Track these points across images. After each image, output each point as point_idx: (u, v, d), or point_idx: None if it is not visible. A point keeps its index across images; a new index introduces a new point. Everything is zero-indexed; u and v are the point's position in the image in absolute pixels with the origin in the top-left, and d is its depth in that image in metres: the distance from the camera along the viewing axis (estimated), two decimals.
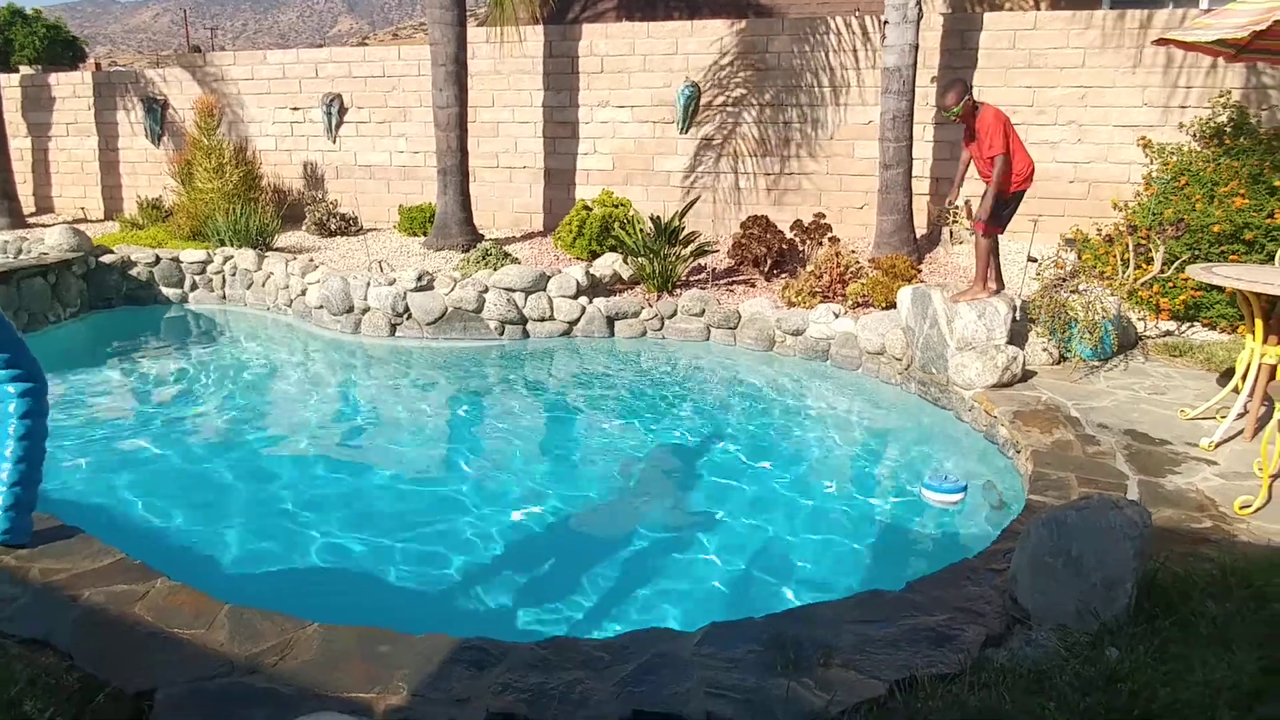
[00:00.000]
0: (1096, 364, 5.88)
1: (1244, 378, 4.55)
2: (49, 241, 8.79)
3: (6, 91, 12.16)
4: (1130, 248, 6.67)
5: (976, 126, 5.98)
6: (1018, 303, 6.22)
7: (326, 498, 4.72)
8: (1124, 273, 6.65)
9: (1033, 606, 2.84)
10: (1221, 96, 7.75)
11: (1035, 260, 7.11)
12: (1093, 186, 8.55)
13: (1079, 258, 7.16)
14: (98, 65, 17.07)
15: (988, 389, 5.52)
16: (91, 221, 11.79)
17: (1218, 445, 4.40)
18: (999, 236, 6.25)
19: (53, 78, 12.51)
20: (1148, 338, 6.41)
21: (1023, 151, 6.03)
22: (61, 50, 14.58)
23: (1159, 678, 2.43)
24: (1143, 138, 7.89)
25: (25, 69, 13.44)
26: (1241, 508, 3.68)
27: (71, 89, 12.29)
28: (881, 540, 4.36)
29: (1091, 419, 4.92)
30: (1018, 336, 6.02)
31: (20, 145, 12.34)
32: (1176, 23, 8.02)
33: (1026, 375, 5.71)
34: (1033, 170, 6.05)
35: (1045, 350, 5.98)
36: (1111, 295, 6.10)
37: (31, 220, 11.77)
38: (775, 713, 2.35)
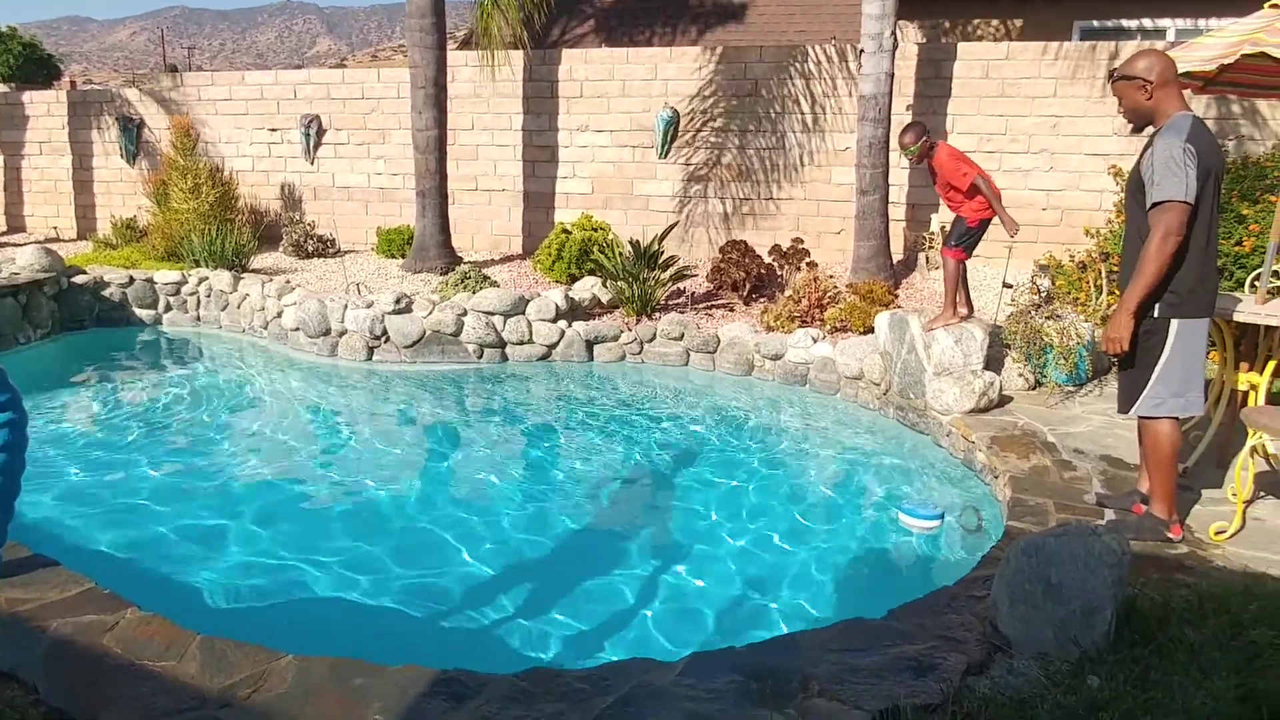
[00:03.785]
0: (1071, 389, 5.94)
1: (1215, 404, 4.61)
2: (20, 261, 8.66)
3: None
4: (1103, 274, 6.76)
5: (933, 165, 6.14)
6: (993, 328, 6.28)
7: (300, 525, 4.65)
8: (1097, 299, 6.75)
9: (1013, 634, 2.84)
10: None
11: (1010, 286, 7.19)
12: (1065, 214, 8.69)
13: (1053, 284, 7.25)
14: (73, 83, 16.94)
15: (965, 414, 5.56)
16: (64, 241, 11.64)
17: (1190, 470, 4.44)
18: (966, 262, 6.31)
19: (26, 96, 12.38)
20: None
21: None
22: (36, 68, 14.47)
23: (1139, 706, 2.44)
24: (1113, 166, 8.03)
25: None
26: (1217, 533, 3.72)
27: (46, 107, 12.17)
28: (860, 567, 4.35)
29: (1067, 444, 4.97)
30: (994, 362, 6.07)
31: None
32: None
33: (1003, 400, 5.76)
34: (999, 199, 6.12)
35: (1021, 376, 6.04)
36: (1085, 321, 6.17)
37: (2, 239, 11.60)
38: None
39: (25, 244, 10.17)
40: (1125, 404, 3.72)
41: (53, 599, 3.03)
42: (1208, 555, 3.58)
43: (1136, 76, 3.49)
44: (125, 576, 3.86)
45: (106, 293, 8.95)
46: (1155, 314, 3.50)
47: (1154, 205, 3.37)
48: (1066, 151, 8.64)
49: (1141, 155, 3.54)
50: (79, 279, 8.86)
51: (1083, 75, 8.48)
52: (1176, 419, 3.62)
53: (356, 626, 3.72)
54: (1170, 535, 3.65)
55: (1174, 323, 3.48)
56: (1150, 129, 3.58)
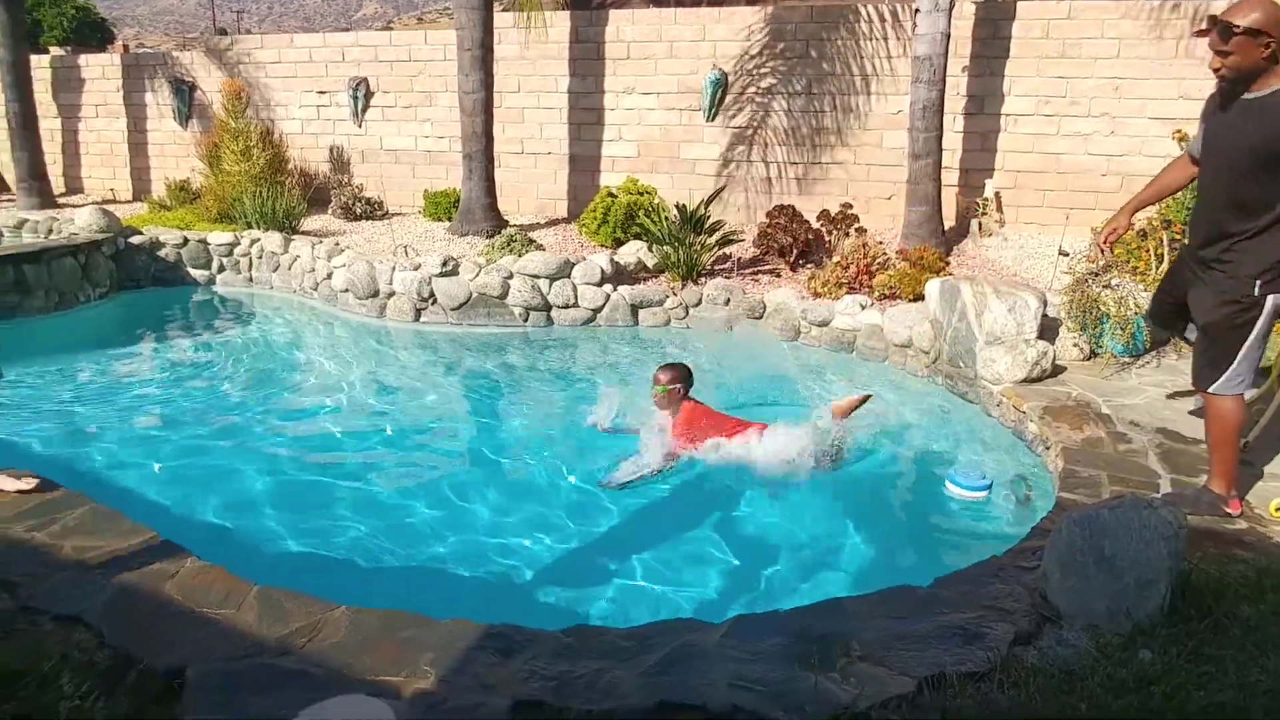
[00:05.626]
0: (1128, 361, 5.79)
1: (1278, 379, 4.47)
2: (79, 222, 8.88)
3: (37, 73, 12.25)
4: (1164, 243, 6.55)
5: (675, 419, 5.06)
6: (1048, 297, 6.14)
7: (351, 481, 4.74)
8: (1157, 268, 6.53)
9: (1063, 605, 2.81)
10: None
11: (1066, 254, 7.00)
12: (1126, 180, 8.42)
13: (1111, 252, 7.05)
14: (126, 47, 17.22)
15: (1016, 384, 5.45)
16: (120, 203, 11.90)
17: (1251, 445, 4.32)
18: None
19: (82, 59, 12.61)
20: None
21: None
22: (90, 31, 14.74)
23: (1193, 681, 2.40)
24: (1178, 131, 7.74)
25: (55, 50, 13.57)
26: (1277, 509, 3.62)
27: (100, 70, 12.39)
28: (907, 535, 4.33)
29: (1123, 416, 4.86)
30: (1048, 331, 5.94)
31: (50, 126, 12.45)
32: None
33: (1056, 371, 5.64)
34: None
35: (1076, 346, 5.90)
36: (1144, 291, 5.99)
37: (61, 201, 11.90)
38: (803, 706, 2.33)
39: (83, 205, 10.42)
40: (1207, 380, 3.52)
41: (116, 547, 3.13)
42: (1267, 531, 3.49)
43: (1262, 31, 3.03)
44: (183, 528, 3.98)
45: (162, 253, 9.14)
46: (1256, 292, 3.30)
47: None
48: (1129, 115, 8.35)
49: (1238, 117, 3.24)
50: (135, 240, 9.07)
51: (1149, 36, 8.16)
52: (1242, 395, 3.51)
53: (406, 581, 3.80)
54: (1229, 510, 3.56)
55: (1270, 299, 3.31)
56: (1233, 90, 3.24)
